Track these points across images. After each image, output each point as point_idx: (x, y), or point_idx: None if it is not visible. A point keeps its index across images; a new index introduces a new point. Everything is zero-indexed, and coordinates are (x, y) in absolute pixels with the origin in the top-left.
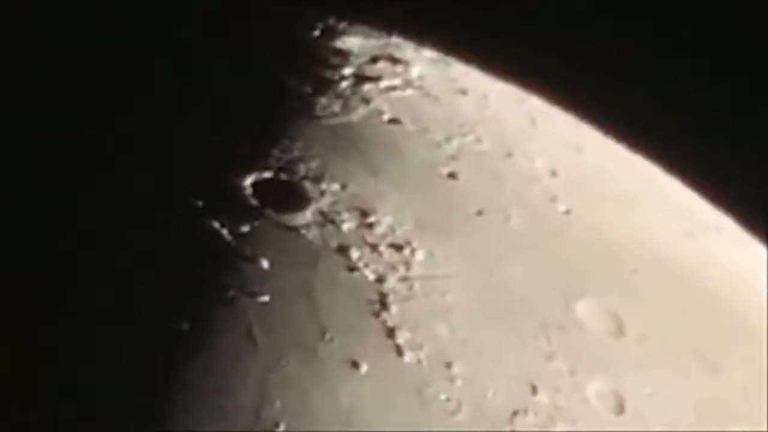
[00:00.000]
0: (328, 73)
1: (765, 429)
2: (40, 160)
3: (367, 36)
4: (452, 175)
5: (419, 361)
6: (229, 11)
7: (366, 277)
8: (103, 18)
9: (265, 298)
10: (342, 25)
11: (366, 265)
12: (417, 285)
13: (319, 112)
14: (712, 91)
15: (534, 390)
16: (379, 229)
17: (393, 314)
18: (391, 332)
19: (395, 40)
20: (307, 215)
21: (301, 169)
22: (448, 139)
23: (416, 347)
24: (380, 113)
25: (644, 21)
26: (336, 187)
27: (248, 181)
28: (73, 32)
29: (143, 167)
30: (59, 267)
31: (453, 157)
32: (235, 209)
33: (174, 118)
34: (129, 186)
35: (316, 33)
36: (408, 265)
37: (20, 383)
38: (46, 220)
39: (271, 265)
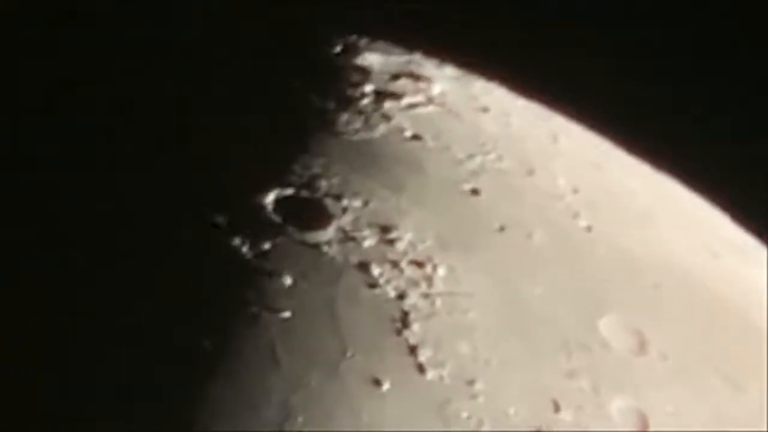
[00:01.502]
0: (350, 90)
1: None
2: (57, 176)
3: (388, 53)
4: (474, 192)
5: (441, 379)
6: (249, 27)
7: (387, 294)
8: (127, 28)
9: (287, 315)
10: (363, 42)
11: (387, 282)
12: (439, 302)
13: (340, 128)
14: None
15: (556, 407)
16: (401, 246)
17: (415, 331)
18: (413, 350)
19: (416, 57)
20: (328, 232)
21: (323, 185)
22: (470, 156)
23: (438, 365)
24: (401, 130)
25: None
26: (357, 203)
27: (270, 197)
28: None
29: (163, 183)
30: (76, 283)
31: (475, 174)
32: (257, 226)
33: (195, 134)
34: (148, 202)
35: (337, 50)
36: (429, 281)
37: (32, 399)
38: (62, 235)
39: (293, 281)
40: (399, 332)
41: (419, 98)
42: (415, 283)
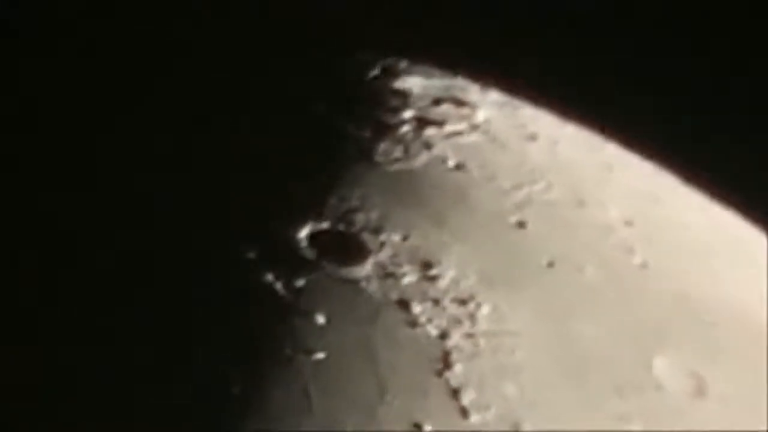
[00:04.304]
0: (388, 117)
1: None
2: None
3: (428, 76)
4: (521, 225)
5: (485, 423)
6: (280, 50)
7: (429, 333)
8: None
9: (322, 356)
10: (402, 64)
11: (428, 321)
12: (483, 342)
13: (378, 158)
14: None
15: None
16: (443, 283)
17: (457, 373)
18: (455, 392)
19: (459, 81)
20: (366, 268)
21: (360, 219)
22: (516, 187)
23: (482, 408)
24: (444, 159)
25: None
26: (397, 238)
27: (304, 232)
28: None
29: (192, 216)
30: (95, 313)
31: (521, 206)
32: (290, 262)
33: (227, 165)
34: (177, 237)
35: (374, 73)
36: (473, 320)
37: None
38: (81, 261)
39: (328, 320)
40: (440, 374)
41: (462, 125)
42: (457, 322)
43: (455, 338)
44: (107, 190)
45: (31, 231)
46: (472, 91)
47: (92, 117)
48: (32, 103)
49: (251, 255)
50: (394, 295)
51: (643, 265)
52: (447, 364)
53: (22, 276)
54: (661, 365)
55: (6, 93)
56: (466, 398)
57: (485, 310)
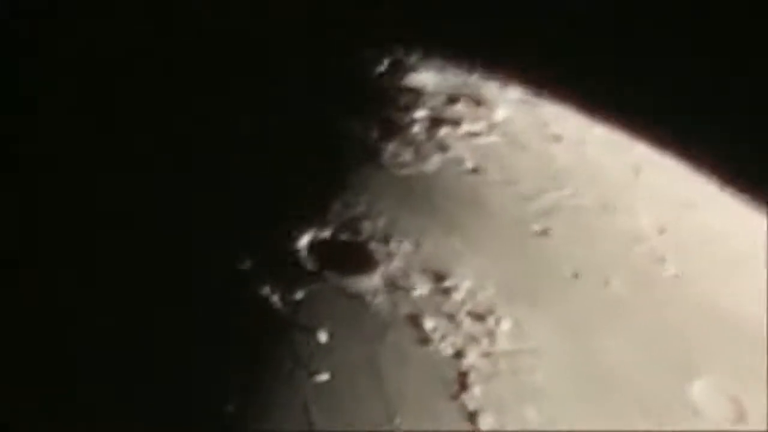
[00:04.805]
0: (398, 116)
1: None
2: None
3: (442, 72)
4: (543, 233)
5: None
6: (281, 46)
7: (442, 352)
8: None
9: (325, 376)
10: (413, 58)
11: (442, 338)
12: (502, 361)
13: (387, 160)
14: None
15: None
16: (458, 296)
17: (474, 395)
18: (472, 416)
19: (476, 76)
20: (373, 279)
21: (366, 226)
22: (539, 192)
23: None
24: (459, 162)
25: None
26: (407, 247)
27: (304, 240)
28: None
29: (184, 221)
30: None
31: (545, 213)
32: (290, 273)
33: (225, 168)
34: (168, 243)
35: (382, 68)
36: (491, 337)
37: None
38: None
39: (331, 337)
40: (456, 396)
41: (480, 125)
42: (474, 339)
43: (472, 357)
44: (106, 192)
45: (30, 234)
46: (490, 87)
47: (92, 117)
48: (32, 104)
49: (246, 265)
50: (404, 310)
51: (676, 277)
52: (463, 385)
53: (22, 278)
54: (698, 388)
55: (6, 93)
56: (484, 423)
57: (505, 326)
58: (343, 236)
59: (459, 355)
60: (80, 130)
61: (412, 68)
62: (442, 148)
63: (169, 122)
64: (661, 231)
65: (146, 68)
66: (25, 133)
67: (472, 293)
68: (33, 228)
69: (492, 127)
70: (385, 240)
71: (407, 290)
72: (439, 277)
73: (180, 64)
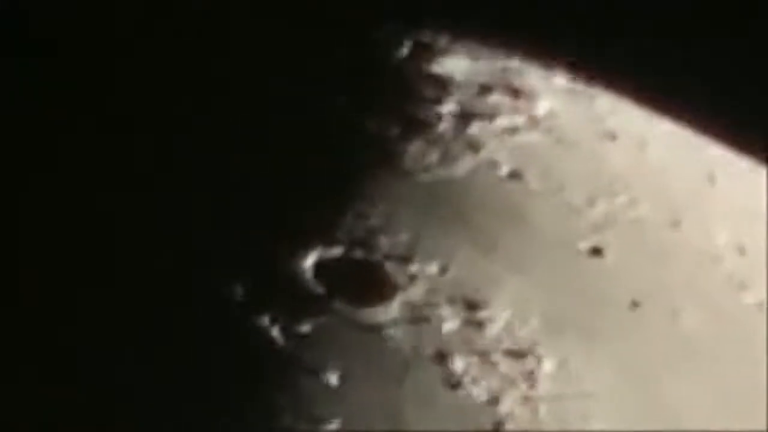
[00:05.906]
0: (421, 110)
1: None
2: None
3: (474, 58)
4: (596, 252)
5: None
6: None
7: (475, 397)
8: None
9: (334, 426)
10: (440, 42)
11: (474, 381)
12: (544, 409)
13: (408, 164)
14: None
15: None
16: (493, 329)
17: None
18: None
19: (515, 63)
20: (391, 309)
21: (383, 243)
22: (591, 202)
23: None
24: (494, 165)
25: None
26: (432, 269)
27: (310, 260)
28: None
29: (178, 235)
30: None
31: (597, 227)
32: (292, 300)
33: (223, 174)
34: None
35: (404, 53)
36: (532, 380)
37: None
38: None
39: (342, 379)
40: None
41: (519, 120)
42: (512, 383)
43: (508, 403)
44: (106, 192)
45: (30, 238)
46: (531, 75)
47: (92, 118)
48: (32, 103)
49: (240, 292)
50: (429, 347)
51: (759, 306)
52: None
53: (22, 279)
54: None
55: (6, 93)
56: None
57: (549, 366)
58: (356, 255)
59: (494, 400)
60: (79, 129)
61: (439, 53)
62: (474, 148)
63: (168, 122)
64: (741, 251)
65: (149, 68)
66: (24, 130)
67: (509, 326)
68: (33, 228)
69: (533, 123)
70: (406, 260)
71: (433, 323)
72: (470, 307)
73: (178, 62)
